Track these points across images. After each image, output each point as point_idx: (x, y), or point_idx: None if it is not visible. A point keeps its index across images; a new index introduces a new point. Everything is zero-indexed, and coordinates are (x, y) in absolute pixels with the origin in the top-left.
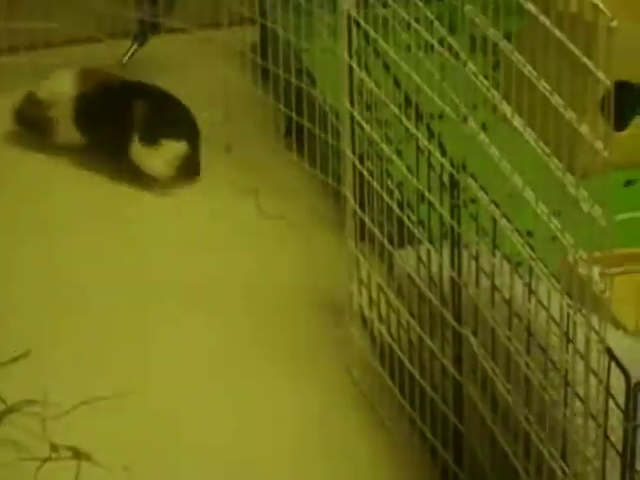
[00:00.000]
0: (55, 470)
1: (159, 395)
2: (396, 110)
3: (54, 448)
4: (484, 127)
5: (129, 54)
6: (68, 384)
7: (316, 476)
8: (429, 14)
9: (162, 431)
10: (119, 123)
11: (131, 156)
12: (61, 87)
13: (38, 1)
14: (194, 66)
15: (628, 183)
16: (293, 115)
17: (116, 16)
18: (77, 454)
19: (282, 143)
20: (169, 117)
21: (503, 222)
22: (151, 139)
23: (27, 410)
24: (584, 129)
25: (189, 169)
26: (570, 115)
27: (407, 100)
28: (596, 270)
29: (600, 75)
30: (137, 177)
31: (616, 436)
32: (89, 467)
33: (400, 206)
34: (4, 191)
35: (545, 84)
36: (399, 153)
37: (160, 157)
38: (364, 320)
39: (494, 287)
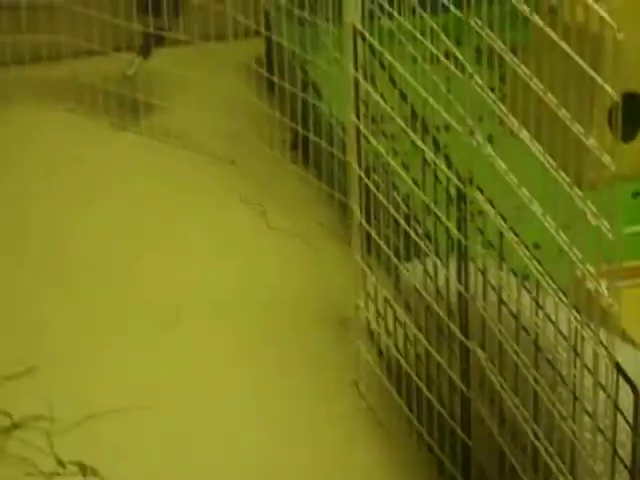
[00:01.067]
0: None
1: (165, 410)
2: (402, 123)
3: (61, 463)
4: (491, 140)
5: (134, 67)
6: (74, 399)
7: None
8: (435, 26)
9: (168, 446)
10: None
11: None
12: None
13: (42, 14)
14: (199, 79)
15: (636, 194)
16: (299, 128)
17: (120, 29)
18: (83, 469)
19: (288, 156)
20: None
21: (510, 235)
22: None
23: (33, 425)
24: (591, 143)
25: None
26: (577, 128)
27: (413, 113)
28: (604, 284)
29: (607, 87)
30: None
31: (625, 451)
32: None
33: (407, 219)
34: None
35: (552, 97)
36: (405, 166)
37: None
38: (371, 334)
39: (501, 301)
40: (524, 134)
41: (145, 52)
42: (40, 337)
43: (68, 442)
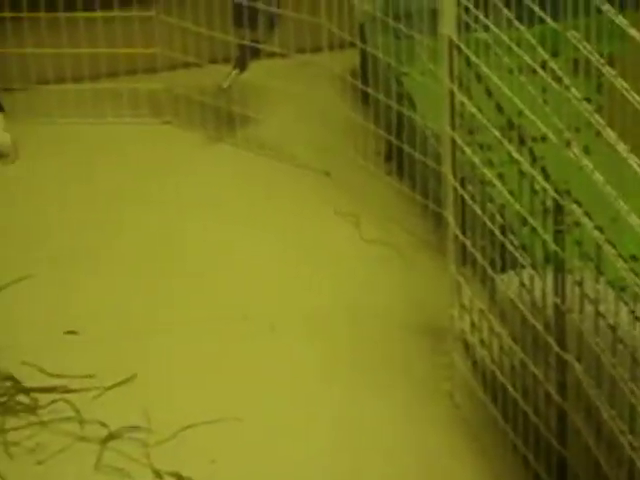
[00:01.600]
0: None
1: (260, 421)
2: (498, 134)
3: (157, 474)
4: (587, 151)
5: (230, 79)
6: (170, 410)
7: None
8: (531, 38)
9: (264, 457)
10: None
11: None
12: None
13: (138, 27)
14: (294, 91)
15: None
16: (393, 139)
17: (216, 41)
18: None
19: (382, 167)
20: None
21: (607, 247)
22: None
23: (130, 436)
24: None
25: None
26: None
27: (510, 123)
28: None
29: None
30: None
31: None
32: None
33: (502, 230)
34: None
35: None
36: (501, 177)
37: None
38: (466, 345)
39: (598, 313)
40: (621, 146)
41: (241, 64)
42: (139, 347)
43: (164, 453)
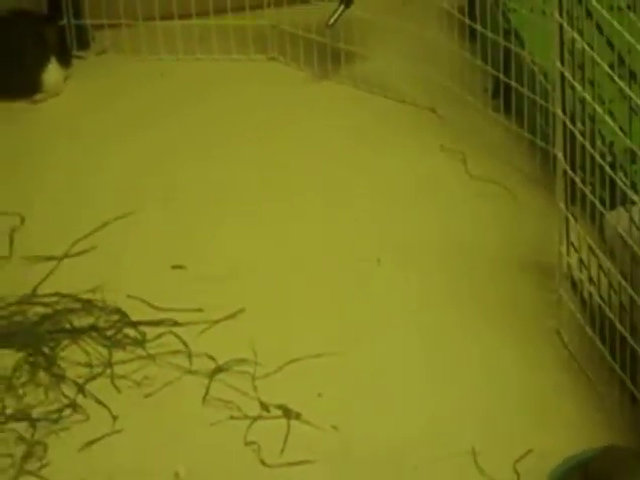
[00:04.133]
0: (265, 428)
1: (367, 356)
2: (608, 69)
3: (264, 407)
4: None
5: (335, 16)
6: (278, 343)
7: (528, 438)
8: None
9: (370, 391)
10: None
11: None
12: None
13: None
14: (400, 27)
15: None
16: (501, 76)
17: None
18: (287, 413)
19: (489, 104)
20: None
21: None
22: (66, 60)
23: (237, 369)
24: None
25: None
26: None
27: (620, 59)
28: None
29: None
30: (29, 93)
31: None
32: (299, 426)
33: (612, 167)
34: None
35: None
36: (610, 113)
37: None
38: (574, 282)
39: None
40: None
41: (347, 0)
42: (246, 282)
43: (272, 386)
